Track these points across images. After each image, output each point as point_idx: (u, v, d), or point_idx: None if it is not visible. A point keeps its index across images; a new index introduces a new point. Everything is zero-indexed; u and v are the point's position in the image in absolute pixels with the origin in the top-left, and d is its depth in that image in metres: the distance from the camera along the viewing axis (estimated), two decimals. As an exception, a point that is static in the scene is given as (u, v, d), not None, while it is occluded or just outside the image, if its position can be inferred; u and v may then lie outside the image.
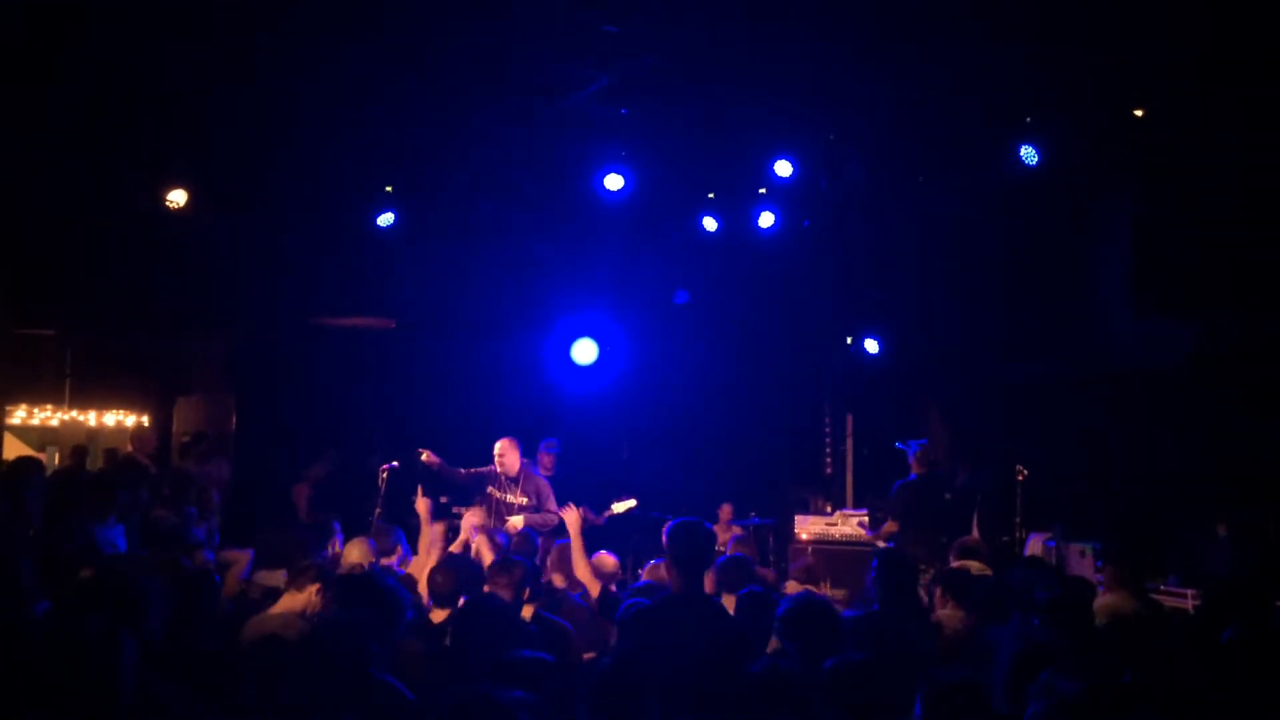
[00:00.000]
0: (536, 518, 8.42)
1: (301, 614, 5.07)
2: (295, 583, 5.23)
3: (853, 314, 11.93)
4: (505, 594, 5.09)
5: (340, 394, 12.05)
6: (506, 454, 8.54)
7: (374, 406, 12.09)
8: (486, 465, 8.72)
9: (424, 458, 8.56)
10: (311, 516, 10.03)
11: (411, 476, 10.23)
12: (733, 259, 11.62)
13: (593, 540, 9.10)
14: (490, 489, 8.57)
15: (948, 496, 9.39)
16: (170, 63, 7.75)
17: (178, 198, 9.22)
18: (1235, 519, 8.60)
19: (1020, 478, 9.24)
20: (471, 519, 7.81)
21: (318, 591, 5.15)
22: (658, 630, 4.11)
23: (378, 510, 9.07)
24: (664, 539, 4.39)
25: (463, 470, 8.74)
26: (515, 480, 8.53)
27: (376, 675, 3.66)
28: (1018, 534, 9.31)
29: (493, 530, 7.51)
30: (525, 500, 8.47)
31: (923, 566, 6.75)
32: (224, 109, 8.48)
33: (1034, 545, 9.36)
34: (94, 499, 6.14)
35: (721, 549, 9.09)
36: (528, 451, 9.55)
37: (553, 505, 8.50)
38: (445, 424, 12.28)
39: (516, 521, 8.26)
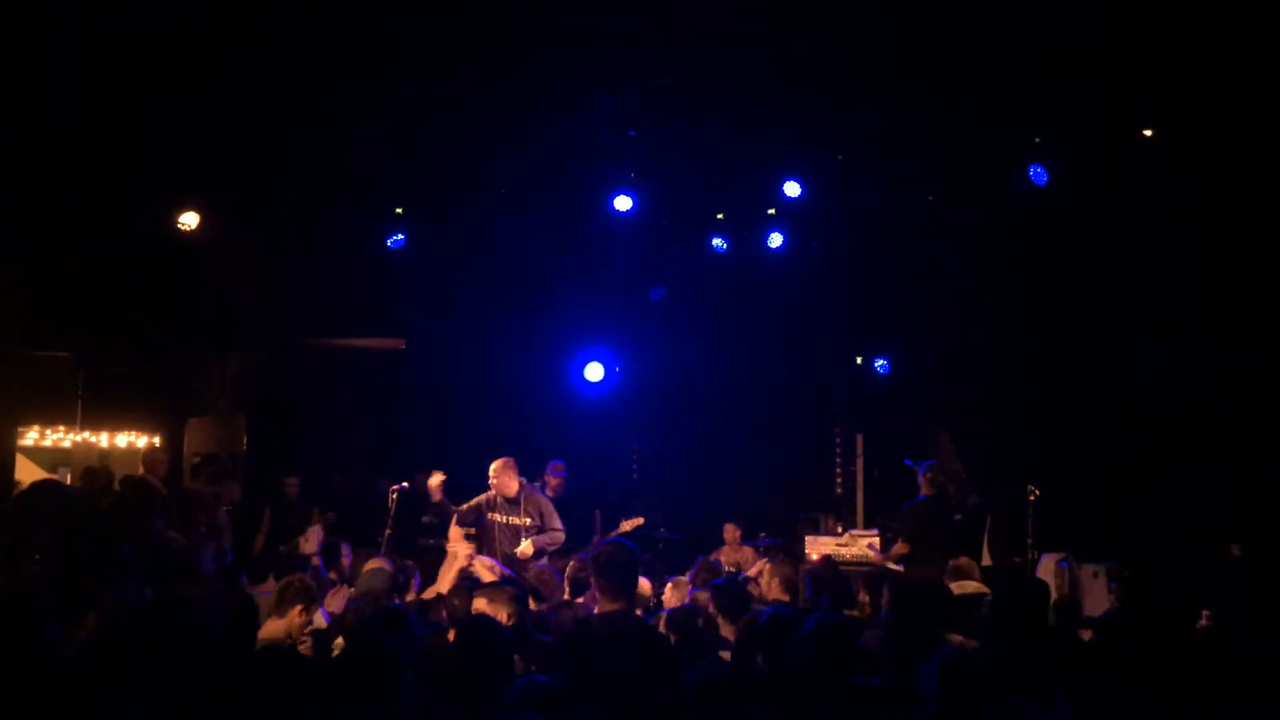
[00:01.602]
0: (543, 538, 8.25)
1: (287, 638, 5.06)
2: (279, 608, 5.20)
3: (862, 334, 11.92)
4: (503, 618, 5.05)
5: (350, 414, 12.09)
6: (502, 475, 8.26)
7: (384, 426, 12.12)
8: (482, 493, 8.42)
9: (433, 482, 8.37)
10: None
11: (421, 498, 10.22)
12: (742, 279, 11.64)
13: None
14: (490, 515, 8.28)
15: (958, 517, 9.35)
16: (182, 86, 7.81)
17: (189, 220, 9.29)
18: (1250, 539, 8.56)
19: (1032, 498, 9.19)
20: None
21: (300, 612, 5.15)
22: (597, 654, 4.06)
23: (387, 531, 9.07)
24: (591, 562, 4.37)
25: (457, 507, 8.37)
26: (515, 501, 8.26)
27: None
28: (1030, 555, 9.26)
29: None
30: (529, 521, 8.23)
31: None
32: (235, 132, 8.53)
33: (1046, 566, 9.32)
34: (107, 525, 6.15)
35: (730, 568, 9.07)
36: (537, 472, 9.53)
37: (557, 522, 8.31)
38: (455, 443, 12.31)
39: (525, 548, 8.12)
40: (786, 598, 6.35)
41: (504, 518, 8.25)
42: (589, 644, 4.13)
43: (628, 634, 4.13)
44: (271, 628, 5.15)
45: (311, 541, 7.97)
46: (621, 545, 4.37)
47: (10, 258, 8.87)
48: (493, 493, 8.30)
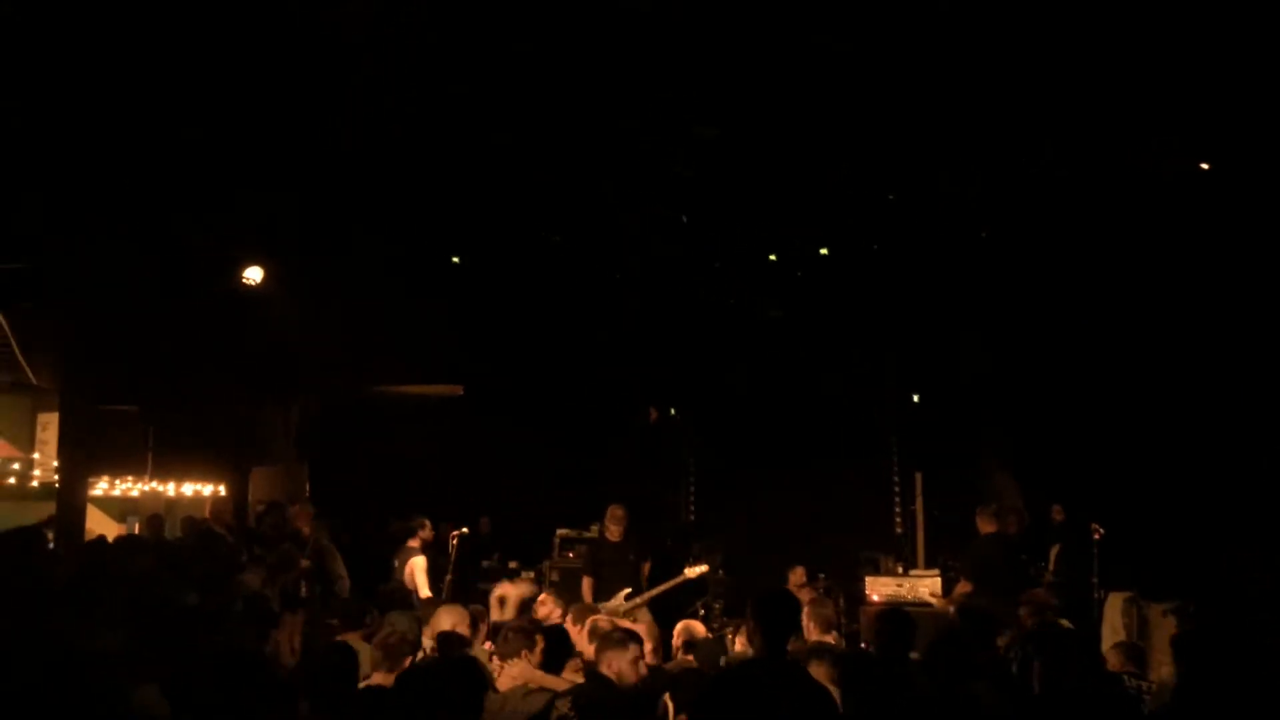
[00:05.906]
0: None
1: None
2: (387, 663, 5.16)
3: (918, 372, 11.86)
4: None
5: (410, 460, 12.24)
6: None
7: (444, 471, 12.24)
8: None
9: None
10: None
11: (482, 541, 10.26)
12: (794, 317, 11.67)
13: (668, 604, 9.06)
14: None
15: (1024, 557, 9.21)
16: (242, 143, 8.00)
17: (254, 275, 9.49)
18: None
19: (1096, 536, 9.04)
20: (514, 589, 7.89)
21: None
22: (745, 697, 4.10)
23: (449, 576, 9.16)
24: (750, 607, 4.40)
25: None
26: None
27: None
28: (1096, 594, 9.10)
29: None
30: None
31: (1003, 631, 6.60)
32: (295, 187, 8.72)
33: (1113, 604, 9.16)
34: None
35: (793, 612, 8.99)
36: (596, 517, 9.58)
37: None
38: (514, 488, 12.41)
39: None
40: (829, 639, 6.28)
41: None
42: (749, 689, 4.13)
43: (779, 680, 4.14)
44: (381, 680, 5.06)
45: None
46: (785, 593, 4.44)
47: (82, 318, 9.15)
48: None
